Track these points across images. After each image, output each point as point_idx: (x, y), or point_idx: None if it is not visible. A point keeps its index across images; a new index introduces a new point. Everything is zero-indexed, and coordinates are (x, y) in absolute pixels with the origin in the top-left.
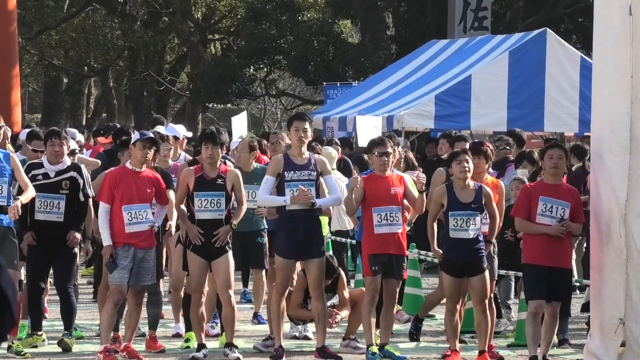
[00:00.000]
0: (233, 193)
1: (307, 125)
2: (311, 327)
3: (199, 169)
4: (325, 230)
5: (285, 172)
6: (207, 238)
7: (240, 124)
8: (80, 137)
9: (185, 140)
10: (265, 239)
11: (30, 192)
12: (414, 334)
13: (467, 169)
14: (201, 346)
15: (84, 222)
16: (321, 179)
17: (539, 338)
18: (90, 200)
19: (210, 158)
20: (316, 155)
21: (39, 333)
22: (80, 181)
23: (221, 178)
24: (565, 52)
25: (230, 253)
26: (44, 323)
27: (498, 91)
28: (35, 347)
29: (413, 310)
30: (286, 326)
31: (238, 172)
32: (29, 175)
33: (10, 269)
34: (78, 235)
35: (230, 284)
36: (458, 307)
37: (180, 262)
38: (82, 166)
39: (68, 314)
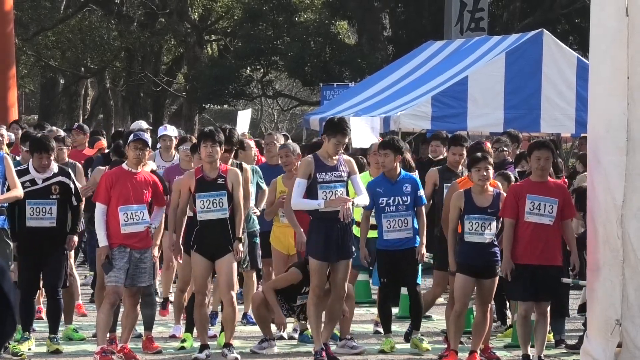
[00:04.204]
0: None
1: (347, 140)
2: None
3: (199, 170)
4: None
5: (317, 174)
6: (211, 238)
7: (243, 121)
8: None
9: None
10: (258, 240)
11: (14, 192)
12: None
13: (485, 176)
14: (204, 347)
15: (79, 225)
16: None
17: (530, 337)
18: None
19: (210, 157)
20: (344, 156)
21: (28, 335)
22: (72, 186)
23: (222, 177)
24: (562, 53)
25: (232, 253)
26: (40, 323)
27: (494, 92)
28: (30, 349)
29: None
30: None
31: (238, 171)
32: None
33: None
34: (75, 239)
35: (233, 284)
36: (466, 309)
37: (186, 264)
38: (70, 170)
39: (55, 316)
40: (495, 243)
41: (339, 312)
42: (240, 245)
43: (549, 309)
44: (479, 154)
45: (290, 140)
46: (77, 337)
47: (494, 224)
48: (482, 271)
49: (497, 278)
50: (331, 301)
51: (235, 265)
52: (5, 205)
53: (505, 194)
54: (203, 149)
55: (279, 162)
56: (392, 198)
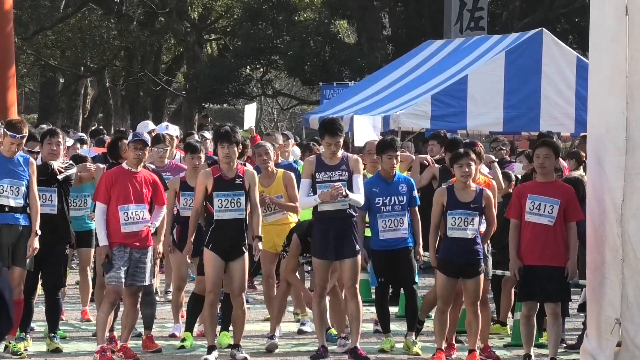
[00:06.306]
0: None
1: (340, 140)
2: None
3: (217, 169)
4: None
5: (317, 174)
6: (227, 238)
7: (250, 115)
8: None
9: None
10: None
11: (36, 210)
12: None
13: (467, 173)
14: (212, 348)
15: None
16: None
17: (533, 337)
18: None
19: (227, 157)
20: (350, 155)
21: (25, 336)
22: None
23: (239, 178)
24: (561, 52)
25: (247, 255)
26: (40, 323)
27: (494, 91)
28: (26, 350)
29: None
30: (284, 326)
31: (255, 172)
32: None
33: (21, 267)
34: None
35: (244, 287)
36: (449, 307)
37: (183, 263)
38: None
39: (54, 316)
40: (478, 240)
41: (357, 311)
42: (260, 244)
43: (559, 309)
44: (461, 150)
45: (274, 136)
46: (58, 335)
47: (476, 219)
48: (466, 268)
49: (482, 277)
50: (348, 302)
51: (247, 268)
52: (26, 204)
53: (487, 190)
54: (220, 150)
55: (279, 160)
56: (388, 198)
